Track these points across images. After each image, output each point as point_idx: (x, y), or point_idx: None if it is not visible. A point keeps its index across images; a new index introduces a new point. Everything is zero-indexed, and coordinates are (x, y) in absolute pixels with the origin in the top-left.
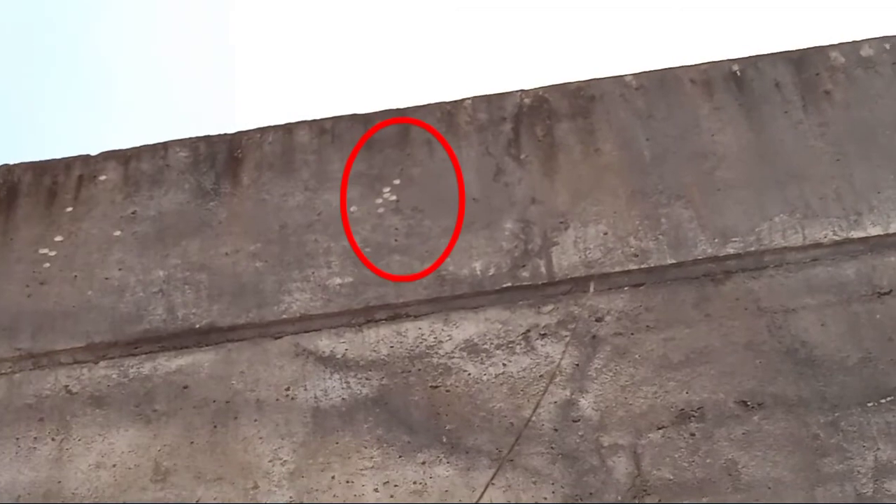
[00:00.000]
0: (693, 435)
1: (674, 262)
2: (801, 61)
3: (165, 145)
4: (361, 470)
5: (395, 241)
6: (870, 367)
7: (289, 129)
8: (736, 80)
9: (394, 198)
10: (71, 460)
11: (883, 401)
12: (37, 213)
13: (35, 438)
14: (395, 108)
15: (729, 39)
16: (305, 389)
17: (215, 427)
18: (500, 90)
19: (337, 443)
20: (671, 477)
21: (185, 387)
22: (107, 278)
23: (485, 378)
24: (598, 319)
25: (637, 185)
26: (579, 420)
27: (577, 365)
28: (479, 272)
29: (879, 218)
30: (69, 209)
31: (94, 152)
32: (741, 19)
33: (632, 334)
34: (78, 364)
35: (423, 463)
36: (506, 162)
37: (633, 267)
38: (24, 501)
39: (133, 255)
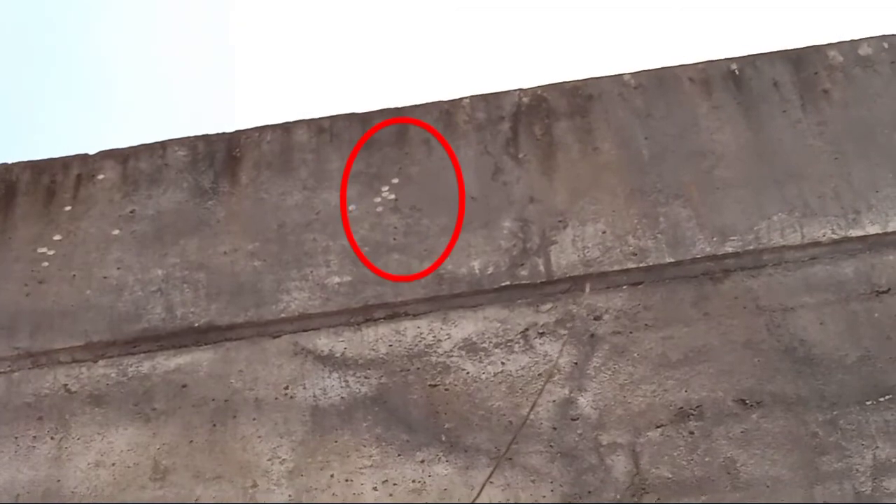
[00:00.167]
0: (692, 433)
1: (672, 260)
2: (800, 60)
3: (164, 144)
4: (360, 468)
5: (394, 240)
6: (868, 365)
7: (287, 128)
8: (734, 79)
9: (392, 197)
10: (70, 459)
11: (881, 399)
12: (35, 212)
13: (34, 437)
14: (393, 107)
15: (727, 39)
16: (304, 388)
17: (214, 426)
18: (498, 89)
19: (336, 441)
20: (670, 475)
21: (184, 386)
22: (105, 277)
23: (483, 377)
24: (597, 318)
25: (635, 184)
26: (578, 418)
27: (576, 363)
28: (477, 271)
29: (878, 216)
30: (68, 208)
31: (92, 151)
32: (740, 19)
33: (630, 333)
34: (77, 363)
35: (422, 461)
36: (504, 161)
37: (631, 266)
38: (24, 500)
39: (131, 255)
